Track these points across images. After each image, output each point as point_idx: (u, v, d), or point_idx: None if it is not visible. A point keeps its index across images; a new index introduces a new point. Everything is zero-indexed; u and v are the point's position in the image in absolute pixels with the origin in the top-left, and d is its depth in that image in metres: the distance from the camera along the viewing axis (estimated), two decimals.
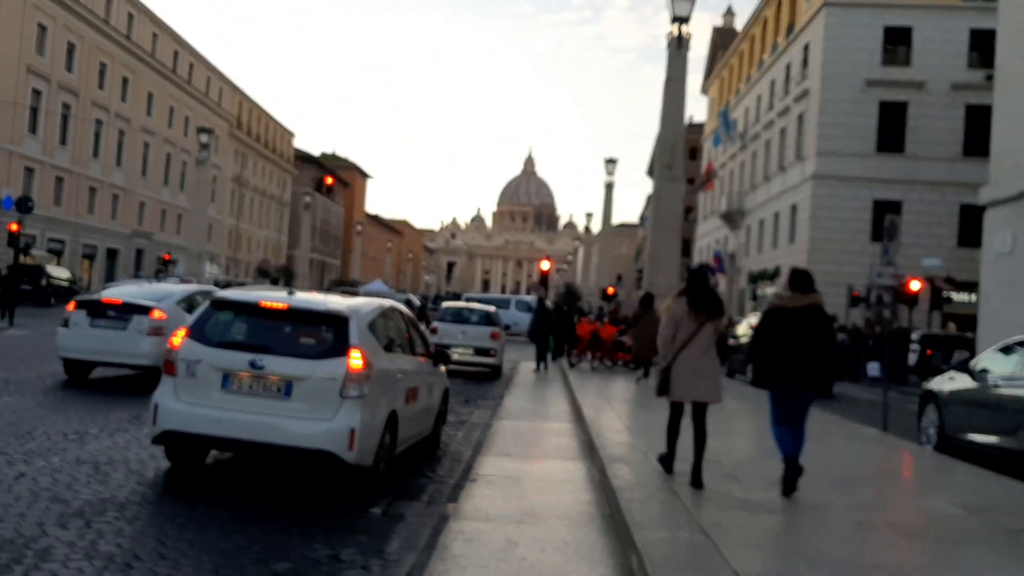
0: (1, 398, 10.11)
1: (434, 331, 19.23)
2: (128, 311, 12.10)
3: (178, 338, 6.63)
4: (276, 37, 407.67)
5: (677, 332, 7.18)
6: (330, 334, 6.62)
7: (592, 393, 15.00)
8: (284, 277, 69.02)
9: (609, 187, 47.64)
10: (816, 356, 6.95)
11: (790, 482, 6.95)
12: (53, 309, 38.51)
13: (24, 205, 24.00)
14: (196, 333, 6.65)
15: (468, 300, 31.55)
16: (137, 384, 11.75)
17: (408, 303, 46.06)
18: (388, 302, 8.25)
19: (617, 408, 12.83)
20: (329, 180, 50.92)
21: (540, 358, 21.44)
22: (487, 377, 19.15)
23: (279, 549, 5.24)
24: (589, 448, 9.32)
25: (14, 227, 24.32)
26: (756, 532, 5.85)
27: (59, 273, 43.16)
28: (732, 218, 53.67)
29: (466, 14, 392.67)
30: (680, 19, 22.63)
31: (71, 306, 12.81)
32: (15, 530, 5.05)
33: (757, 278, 45.94)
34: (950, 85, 37.39)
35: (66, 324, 12.44)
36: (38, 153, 45.97)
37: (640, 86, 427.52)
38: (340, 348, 6.49)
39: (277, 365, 6.38)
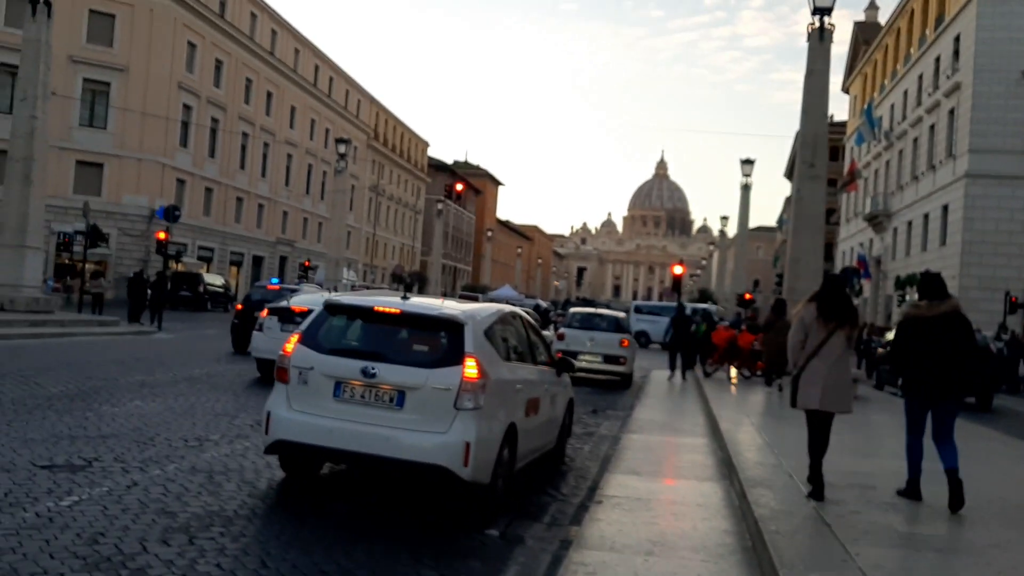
0: (133, 402, 10.27)
1: (561, 337, 18.74)
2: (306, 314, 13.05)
3: (291, 344, 6.38)
4: (413, 50, 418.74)
5: (807, 339, 7.01)
6: (444, 341, 6.22)
7: (729, 405, 14.13)
8: (417, 282, 70.19)
9: (746, 188, 45.95)
10: (959, 365, 6.72)
11: (956, 498, 6.60)
12: (209, 313, 40.47)
13: (172, 215, 25.05)
14: (309, 339, 6.39)
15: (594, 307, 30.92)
16: None
17: (536, 308, 45.79)
18: (507, 307, 7.82)
19: (757, 422, 11.97)
20: (459, 187, 51.38)
21: (675, 366, 20.94)
22: (617, 386, 18.50)
23: (385, 574, 4.85)
24: (727, 467, 8.59)
25: (162, 235, 25.41)
26: None
27: (214, 280, 45.33)
28: (877, 220, 50.92)
29: (595, 20, 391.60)
30: (822, 10, 21.31)
31: (264, 313, 14.74)
32: (115, 546, 4.85)
33: (905, 283, 43.25)
34: None
35: (260, 328, 14.37)
36: (189, 166, 48.36)
37: (777, 87, 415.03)
38: (455, 356, 6.08)
39: (389, 373, 6.04)
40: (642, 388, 18.32)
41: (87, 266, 41.86)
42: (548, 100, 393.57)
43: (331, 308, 6.62)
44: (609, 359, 18.35)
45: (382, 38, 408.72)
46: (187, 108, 47.82)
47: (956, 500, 6.59)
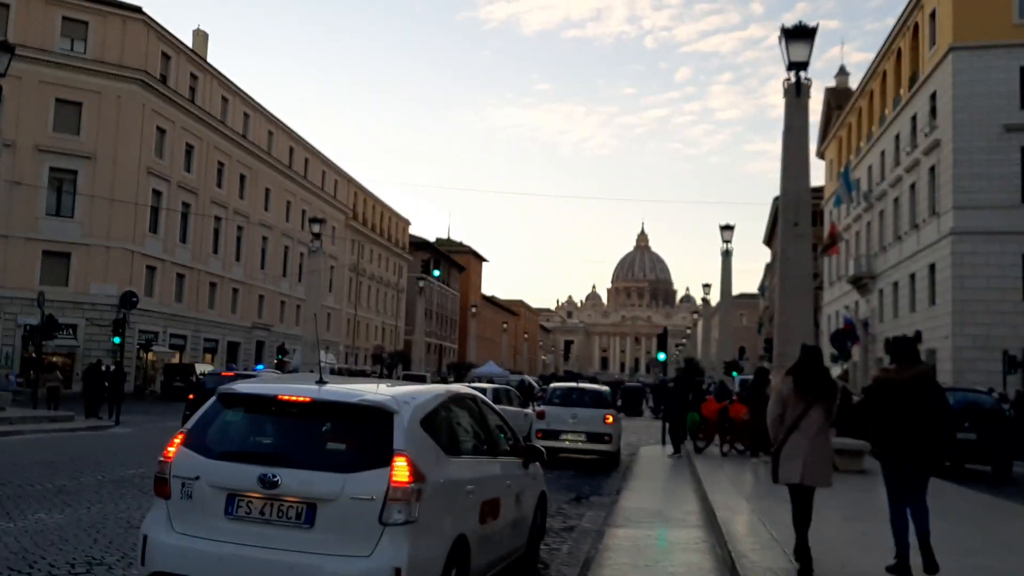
0: (36, 514, 8.88)
1: (541, 416, 17.43)
2: None
3: (173, 447, 5.08)
4: (389, 131, 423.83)
5: (785, 413, 6.95)
6: (367, 436, 4.95)
7: (724, 486, 12.81)
8: (400, 363, 68.70)
9: (727, 255, 45.14)
10: (930, 431, 6.66)
11: (928, 560, 6.57)
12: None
13: (128, 301, 23.79)
14: (195, 440, 5.07)
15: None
16: None
17: (521, 384, 44.43)
18: (455, 387, 6.63)
19: (757, 507, 10.65)
20: (435, 266, 50.34)
21: (676, 440, 19.86)
22: (602, 466, 17.15)
23: None
24: (729, 570, 7.28)
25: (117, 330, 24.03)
26: None
27: (206, 368, 43.81)
28: (862, 282, 50.22)
29: (569, 100, 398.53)
30: (797, 64, 20.65)
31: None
32: None
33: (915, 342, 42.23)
34: None
35: None
36: (159, 252, 47.24)
37: (750, 157, 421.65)
38: (380, 455, 4.81)
39: (296, 481, 4.74)
40: (630, 468, 16.97)
41: (55, 359, 40.43)
42: (526, 176, 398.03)
43: (224, 399, 5.30)
44: (593, 437, 17.03)
45: (358, 120, 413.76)
46: (157, 193, 46.94)
47: (929, 564, 6.54)
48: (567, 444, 17.17)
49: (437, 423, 5.51)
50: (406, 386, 5.95)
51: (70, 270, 42.50)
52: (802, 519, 6.82)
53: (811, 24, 20.57)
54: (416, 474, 4.80)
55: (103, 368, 30.69)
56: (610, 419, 17.24)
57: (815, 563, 6.68)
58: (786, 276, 20.90)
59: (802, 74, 20.95)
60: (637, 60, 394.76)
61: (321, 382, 5.37)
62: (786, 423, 6.88)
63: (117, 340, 24.32)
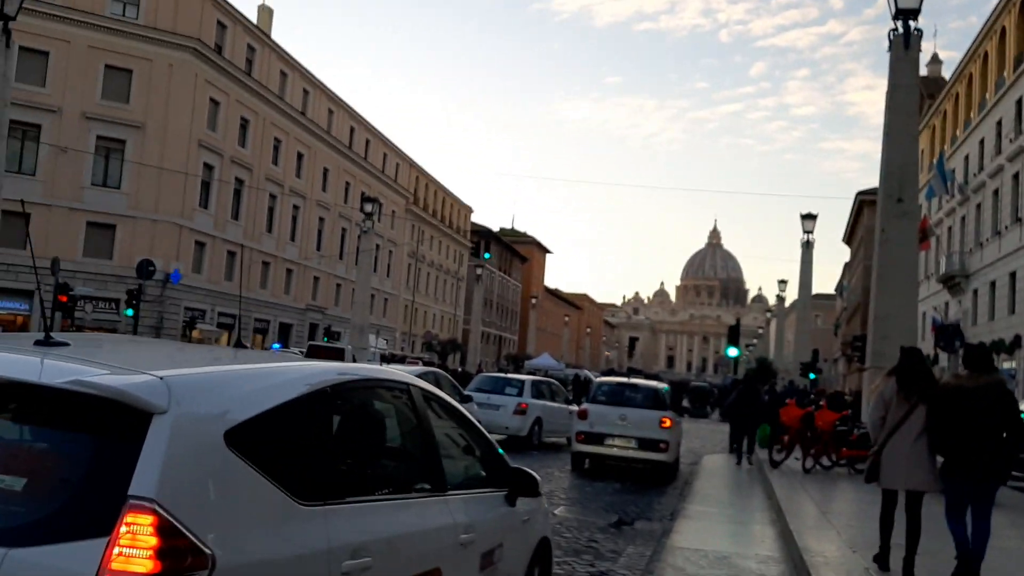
0: None
1: (583, 415, 14.67)
2: None
3: None
4: (457, 122, 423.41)
5: (887, 415, 6.78)
6: (84, 460, 2.39)
7: (816, 521, 9.89)
8: (454, 350, 66.54)
9: (807, 246, 41.55)
10: (998, 442, 6.34)
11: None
12: None
13: (144, 270, 21.78)
14: None
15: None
16: None
17: (576, 379, 41.64)
18: (370, 369, 3.98)
19: (867, 557, 7.76)
20: (486, 249, 47.73)
21: (740, 450, 17.63)
22: (656, 479, 14.35)
23: None
24: None
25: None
26: None
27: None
28: (954, 281, 46.05)
29: (640, 94, 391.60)
30: (905, 12, 17.48)
31: None
32: None
33: (991, 351, 38.23)
34: None
35: None
36: (209, 228, 45.70)
37: (825, 156, 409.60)
38: (99, 507, 2.26)
39: None
40: (689, 483, 14.12)
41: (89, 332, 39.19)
42: (594, 170, 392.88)
43: None
44: (645, 444, 14.22)
45: (424, 108, 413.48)
46: (208, 167, 45.35)
47: None
48: (615, 451, 14.43)
49: (285, 437, 2.87)
50: (248, 359, 3.31)
51: (115, 243, 41.09)
52: (912, 533, 6.59)
53: None
54: (177, 551, 2.18)
55: None
56: (667, 423, 14.39)
57: None
58: (886, 262, 17.73)
59: (911, 23, 17.78)
60: (711, 54, 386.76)
61: (46, 341, 2.77)
62: (888, 425, 6.71)
63: (130, 312, 22.39)
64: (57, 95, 39.97)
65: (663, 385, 16.15)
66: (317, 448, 3.03)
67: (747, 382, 18.97)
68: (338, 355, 24.55)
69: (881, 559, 6.88)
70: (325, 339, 47.43)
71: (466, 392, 16.29)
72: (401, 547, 3.33)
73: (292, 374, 3.11)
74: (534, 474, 4.71)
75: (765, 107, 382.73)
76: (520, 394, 18.12)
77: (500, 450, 4.77)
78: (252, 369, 3.04)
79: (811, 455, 14.72)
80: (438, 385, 14.57)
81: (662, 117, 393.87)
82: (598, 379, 17.31)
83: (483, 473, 4.54)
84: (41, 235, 39.80)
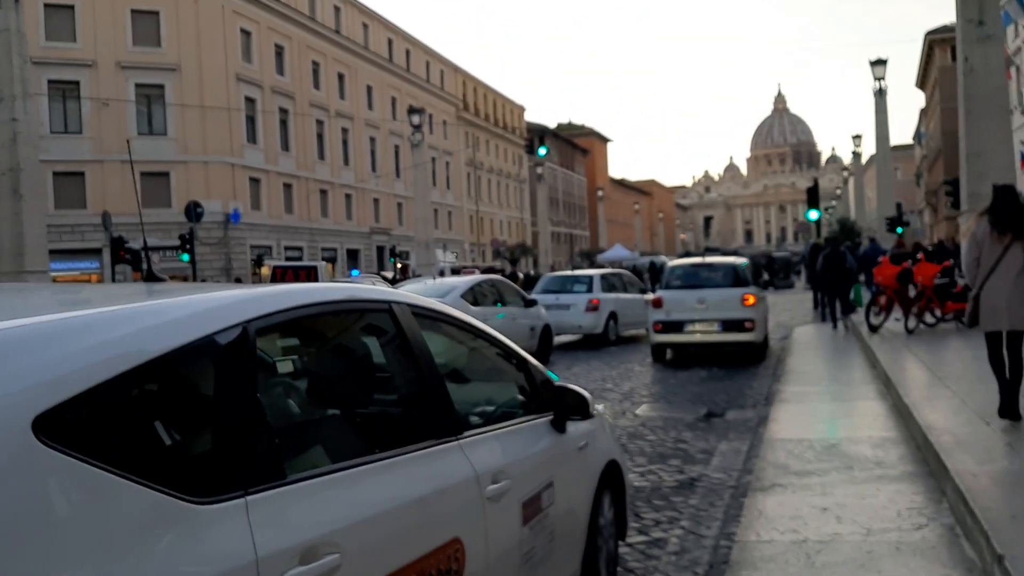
0: None
1: (657, 304, 13.55)
2: None
3: None
4: (498, 15, 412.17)
5: (981, 256, 6.54)
6: None
7: (924, 380, 8.73)
8: (523, 255, 65.68)
9: (880, 95, 38.73)
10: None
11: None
12: None
13: (193, 213, 21.21)
14: None
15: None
16: None
17: (651, 266, 40.38)
18: (289, 291, 2.53)
19: (989, 410, 6.60)
20: (540, 142, 45.72)
21: (834, 315, 16.84)
22: (744, 361, 13.25)
23: None
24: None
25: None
26: None
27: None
28: None
29: None
30: None
31: None
32: None
33: None
34: None
35: None
36: (261, 163, 45.16)
37: (883, 1, 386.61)
38: None
39: None
40: (782, 360, 12.99)
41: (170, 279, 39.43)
42: (647, 49, 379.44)
43: None
44: (729, 325, 13.08)
45: (463, 5, 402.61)
46: (250, 101, 44.52)
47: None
48: (696, 337, 13.34)
49: (163, 406, 1.96)
50: (135, 297, 2.32)
51: (171, 190, 40.92)
52: (1014, 370, 6.38)
53: None
54: None
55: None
56: (750, 299, 13.18)
57: None
58: (973, 94, 15.83)
59: None
60: None
61: None
62: (983, 267, 6.51)
63: (185, 257, 21.96)
64: (89, 48, 39.37)
65: (741, 260, 14.86)
66: (228, 415, 2.04)
67: (830, 243, 17.54)
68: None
69: (1006, 409, 6.43)
70: (392, 259, 46.86)
71: (530, 296, 15.26)
72: (388, 527, 2.35)
73: (186, 311, 2.10)
74: (583, 392, 3.68)
75: None
76: (590, 290, 17.06)
77: (543, 369, 3.76)
78: (112, 313, 2.02)
79: (913, 313, 13.35)
80: (496, 292, 13.65)
81: None
82: (670, 263, 16.03)
83: (518, 399, 3.54)
84: (98, 192, 39.93)
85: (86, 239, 38.57)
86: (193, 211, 21.34)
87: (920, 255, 15.87)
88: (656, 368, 13.18)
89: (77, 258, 39.13)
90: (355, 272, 35.70)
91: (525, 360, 3.63)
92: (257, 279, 41.61)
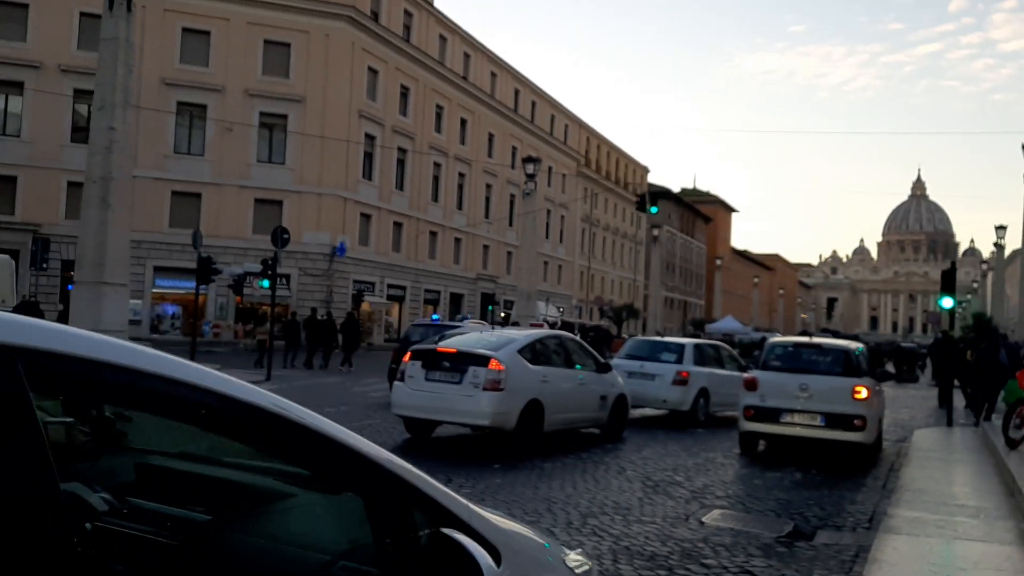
0: None
1: (752, 385, 11.65)
2: (464, 362, 10.69)
3: None
4: (631, 80, 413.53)
5: None
6: None
7: None
8: (630, 316, 63.65)
9: None
10: None
11: None
12: None
13: (279, 238, 20.58)
14: None
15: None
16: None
17: (763, 341, 37.74)
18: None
19: None
20: (652, 203, 44.29)
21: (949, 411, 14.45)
22: (849, 467, 11.18)
23: None
24: None
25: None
26: None
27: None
28: None
29: (827, 40, 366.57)
30: None
31: (406, 357, 11.50)
32: None
33: None
34: None
35: (401, 377, 11.24)
36: (374, 199, 45.20)
37: None
38: None
39: None
40: (895, 469, 10.87)
41: (266, 309, 39.47)
42: (782, 124, 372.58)
43: None
44: (835, 421, 11.06)
45: (595, 68, 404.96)
46: (370, 138, 44.74)
47: None
48: (796, 431, 11.38)
49: None
50: None
51: (282, 218, 41.06)
52: None
53: None
54: None
55: (318, 318, 28.99)
56: (862, 392, 11.14)
57: None
58: None
59: None
60: None
61: None
62: None
63: (266, 284, 21.29)
64: (220, 74, 40.37)
65: (857, 345, 12.78)
66: None
67: (987, 333, 15.22)
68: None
69: None
70: (489, 308, 45.78)
71: (604, 360, 13.51)
72: None
73: None
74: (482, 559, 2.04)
75: (968, 44, 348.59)
76: (679, 360, 15.19)
77: (434, 493, 2.15)
78: None
79: None
80: (561, 348, 12.08)
81: (852, 63, 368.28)
82: (771, 340, 13.97)
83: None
84: (212, 214, 40.56)
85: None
86: (279, 236, 20.68)
87: None
88: (742, 462, 11.28)
89: (186, 277, 39.68)
90: (435, 317, 34.56)
91: (388, 474, 2.02)
92: (357, 314, 41.23)
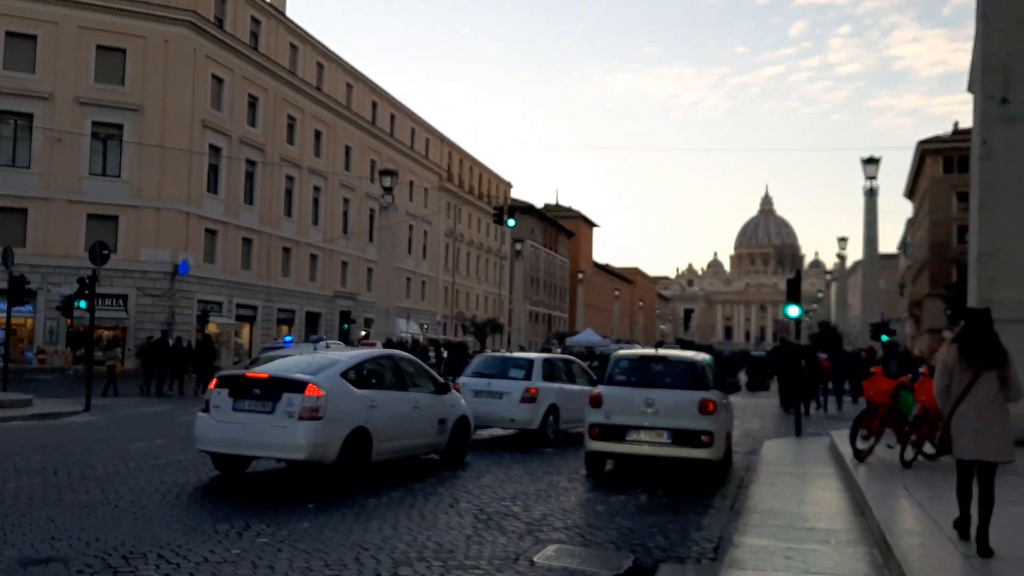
0: None
1: (596, 402, 10.96)
2: (277, 388, 9.47)
3: None
4: (491, 98, 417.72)
5: (951, 384, 6.47)
6: None
7: (940, 549, 6.19)
8: (493, 331, 63.15)
9: (871, 194, 36.95)
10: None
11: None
12: None
13: (97, 254, 18.64)
14: None
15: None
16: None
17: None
18: None
19: None
20: (509, 215, 44.24)
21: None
22: (697, 486, 10.65)
23: None
24: None
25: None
26: None
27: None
28: None
29: (678, 62, 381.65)
30: None
31: (212, 383, 10.15)
32: None
33: None
34: None
35: (207, 408, 9.87)
36: (220, 214, 42.80)
37: (875, 113, 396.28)
38: None
39: None
40: (744, 487, 10.40)
41: (105, 333, 36.52)
42: (637, 142, 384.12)
43: None
44: (681, 437, 10.51)
45: (455, 85, 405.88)
46: (215, 150, 42.41)
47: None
48: (643, 449, 10.75)
49: None
50: None
51: (118, 235, 38.36)
52: (984, 503, 6.09)
53: None
54: None
55: (169, 343, 26.77)
56: (710, 406, 10.65)
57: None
58: (989, 182, 13.71)
59: None
60: (749, 17, 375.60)
61: None
62: (953, 394, 6.41)
63: (83, 304, 19.27)
64: (47, 80, 37.38)
65: (703, 356, 12.31)
66: None
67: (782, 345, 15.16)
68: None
69: (960, 526, 6.49)
70: (344, 326, 44.21)
71: (444, 380, 12.46)
72: None
73: None
74: None
75: (808, 68, 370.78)
76: (528, 377, 14.41)
77: None
78: None
79: (911, 442, 10.87)
80: (394, 368, 11.08)
81: (703, 85, 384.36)
82: (616, 353, 13.30)
83: None
84: (40, 231, 37.43)
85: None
86: (99, 253, 18.73)
87: (923, 368, 13.44)
88: (587, 485, 10.54)
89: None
90: (288, 339, 32.83)
91: None
92: (201, 337, 38.74)
